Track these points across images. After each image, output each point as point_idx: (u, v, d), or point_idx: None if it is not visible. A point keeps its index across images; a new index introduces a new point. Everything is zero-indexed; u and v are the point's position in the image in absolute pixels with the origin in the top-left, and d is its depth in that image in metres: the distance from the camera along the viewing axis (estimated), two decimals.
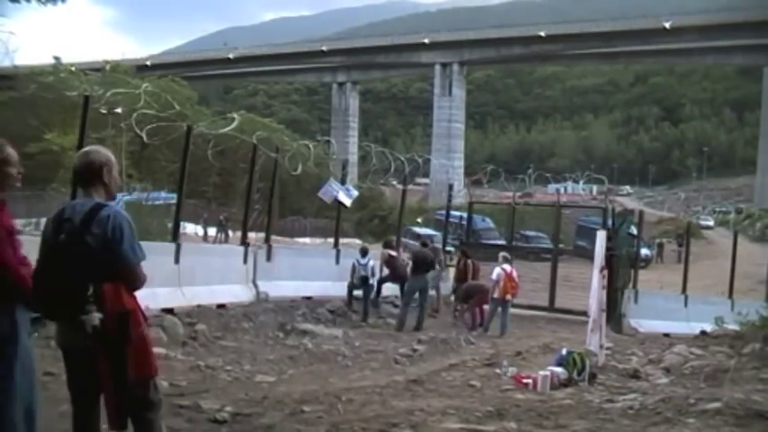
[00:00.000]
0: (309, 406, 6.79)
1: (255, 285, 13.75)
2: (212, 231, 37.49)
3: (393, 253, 15.59)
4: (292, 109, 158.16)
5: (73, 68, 57.22)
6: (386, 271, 15.56)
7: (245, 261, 13.69)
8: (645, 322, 17.33)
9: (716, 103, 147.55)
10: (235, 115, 16.53)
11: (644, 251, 33.59)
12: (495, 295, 14.72)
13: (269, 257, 14.19)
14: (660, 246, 47.15)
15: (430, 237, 19.59)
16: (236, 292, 13.23)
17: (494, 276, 14.87)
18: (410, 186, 21.05)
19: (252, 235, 16.15)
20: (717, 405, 6.01)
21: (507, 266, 14.92)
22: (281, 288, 14.11)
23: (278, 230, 31.81)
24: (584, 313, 12.80)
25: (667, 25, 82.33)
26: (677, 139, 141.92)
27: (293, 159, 15.91)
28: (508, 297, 14.82)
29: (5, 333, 3.69)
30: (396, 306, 15.69)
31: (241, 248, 13.90)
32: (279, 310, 13.49)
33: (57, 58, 64.10)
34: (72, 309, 3.60)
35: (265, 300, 13.66)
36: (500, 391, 8.47)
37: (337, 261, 15.88)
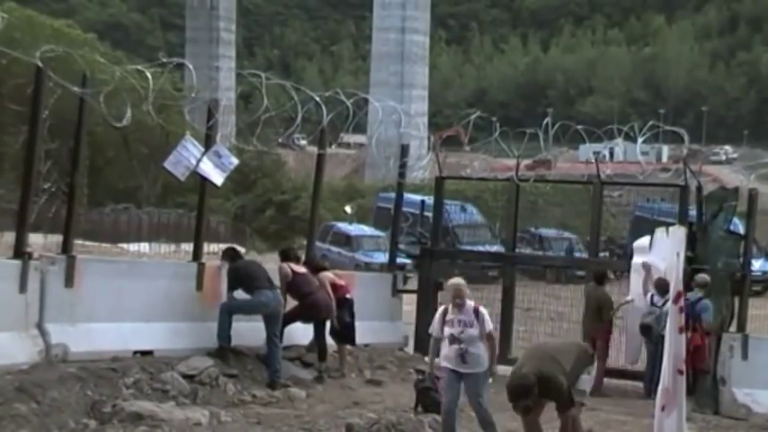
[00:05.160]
0: None
1: (43, 333, 9.67)
2: None
3: (299, 269, 10.59)
4: (113, 4, 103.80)
5: None
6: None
7: (23, 288, 9.41)
8: (763, 395, 11.70)
9: None
10: None
11: (758, 264, 23.03)
12: None
13: (70, 280, 9.83)
14: None
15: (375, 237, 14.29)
16: (2, 347, 9.19)
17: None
18: (332, 149, 16.23)
19: (37, 239, 12.70)
20: None
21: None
22: (94, 337, 10.05)
23: (88, 230, 24.96)
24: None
25: None
26: None
27: (116, 99, 10.43)
28: None
29: None
30: (306, 365, 10.94)
31: (15, 263, 9.47)
32: (89, 377, 9.46)
33: None
34: None
35: (62, 359, 9.66)
36: None
37: (199, 285, 10.90)
